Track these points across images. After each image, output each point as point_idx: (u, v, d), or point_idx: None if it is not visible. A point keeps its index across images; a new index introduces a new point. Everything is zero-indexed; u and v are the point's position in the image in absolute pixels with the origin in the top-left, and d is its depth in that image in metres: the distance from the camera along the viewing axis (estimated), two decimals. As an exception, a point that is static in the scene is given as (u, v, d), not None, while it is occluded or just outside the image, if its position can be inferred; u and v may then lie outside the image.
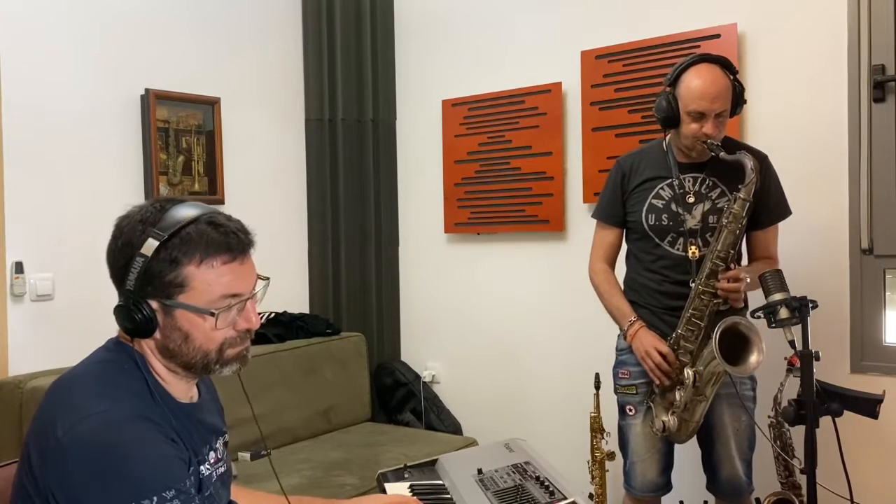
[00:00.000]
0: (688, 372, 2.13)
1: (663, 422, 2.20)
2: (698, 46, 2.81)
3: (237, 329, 1.24)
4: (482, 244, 3.59)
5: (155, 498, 1.09)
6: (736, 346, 2.07)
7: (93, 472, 1.08)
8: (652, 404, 2.25)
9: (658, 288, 2.27)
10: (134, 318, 1.17)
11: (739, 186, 2.10)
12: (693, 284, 2.16)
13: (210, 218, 1.21)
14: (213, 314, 1.19)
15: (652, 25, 3.00)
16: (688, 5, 2.93)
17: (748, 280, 2.12)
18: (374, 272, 3.78)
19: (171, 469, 1.14)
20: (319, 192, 3.67)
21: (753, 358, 2.04)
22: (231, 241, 1.20)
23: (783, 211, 2.30)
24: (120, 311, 1.19)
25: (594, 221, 2.48)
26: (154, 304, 1.18)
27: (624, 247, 2.42)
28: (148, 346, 1.23)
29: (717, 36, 2.80)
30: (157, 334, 1.20)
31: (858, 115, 2.58)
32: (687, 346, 2.17)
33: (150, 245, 1.15)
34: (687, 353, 2.17)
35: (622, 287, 2.39)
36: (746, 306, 2.23)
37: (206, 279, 1.18)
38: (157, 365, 1.24)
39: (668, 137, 2.32)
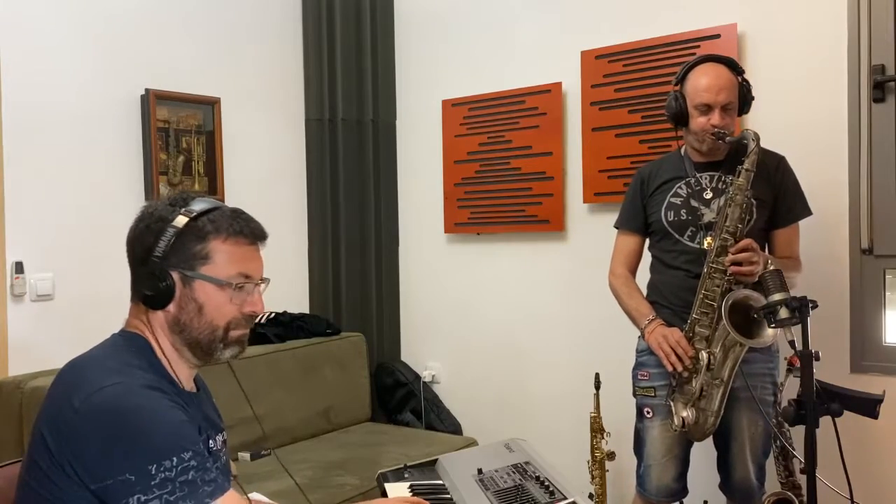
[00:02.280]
0: (702, 354, 2.13)
1: (682, 417, 2.17)
2: (698, 46, 2.81)
3: (244, 311, 1.32)
4: (482, 244, 3.59)
5: (174, 458, 1.14)
6: (750, 323, 2.06)
7: (111, 438, 1.13)
8: (672, 402, 2.22)
9: (681, 284, 2.26)
10: (157, 284, 1.25)
11: (743, 159, 2.13)
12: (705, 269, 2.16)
13: (234, 208, 1.35)
14: (231, 285, 1.29)
15: (652, 25, 2.99)
16: (688, 5, 2.93)
17: (761, 253, 2.12)
18: (374, 272, 3.78)
19: (186, 432, 1.19)
20: (319, 192, 3.67)
21: (770, 328, 2.03)
22: (253, 228, 1.34)
23: (802, 209, 2.31)
24: (143, 278, 1.27)
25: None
26: (175, 275, 1.27)
27: (647, 257, 2.42)
28: (157, 322, 1.29)
29: (717, 36, 2.80)
30: (172, 306, 1.28)
31: (858, 115, 2.58)
32: (702, 332, 2.15)
33: (181, 220, 1.27)
34: (702, 339, 2.15)
35: (645, 292, 2.39)
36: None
37: (228, 255, 1.30)
38: (165, 345, 1.29)
39: (683, 147, 2.35)
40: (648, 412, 2.30)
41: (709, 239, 2.21)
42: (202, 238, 1.28)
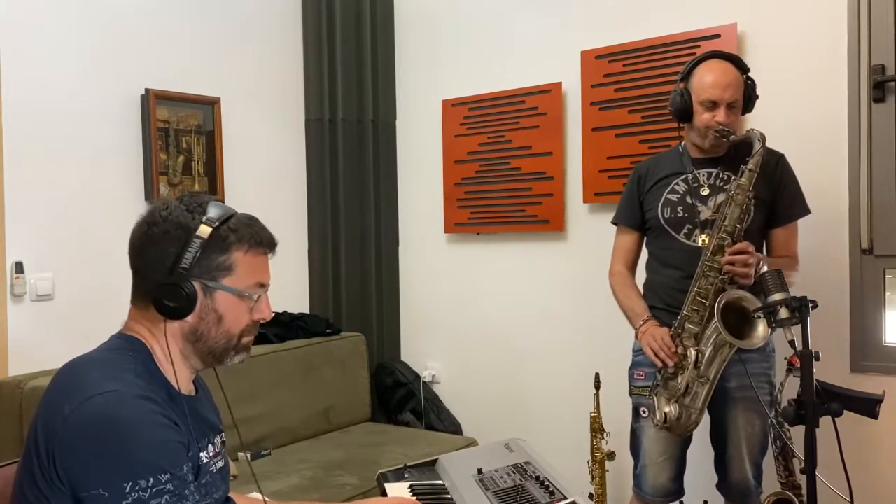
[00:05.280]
0: (690, 351, 2.12)
1: (665, 413, 2.17)
2: (698, 46, 2.81)
3: (253, 318, 1.33)
4: (482, 244, 3.59)
5: (151, 479, 1.12)
6: (741, 324, 2.05)
7: (94, 448, 1.12)
8: (655, 396, 2.22)
9: (675, 285, 2.25)
10: (182, 296, 1.24)
11: (747, 159, 2.11)
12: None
13: (247, 214, 1.34)
14: (251, 297, 1.30)
15: (652, 25, 3.00)
16: (688, 5, 2.93)
17: (756, 255, 2.09)
18: (374, 272, 3.78)
19: (170, 453, 1.17)
20: (319, 192, 3.67)
21: (761, 330, 2.02)
22: (269, 237, 1.35)
23: (800, 209, 2.29)
24: (167, 290, 1.24)
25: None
26: (197, 286, 1.26)
27: (645, 254, 2.42)
28: (170, 330, 1.27)
29: (717, 36, 2.80)
30: (191, 316, 1.26)
31: (858, 115, 2.58)
32: (691, 329, 2.14)
33: (205, 229, 1.25)
34: (691, 335, 2.14)
35: (642, 291, 2.38)
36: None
37: (248, 266, 1.30)
38: (173, 351, 1.28)
39: (683, 143, 2.34)
40: (644, 412, 2.30)
41: (704, 236, 2.20)
42: (225, 249, 1.27)
